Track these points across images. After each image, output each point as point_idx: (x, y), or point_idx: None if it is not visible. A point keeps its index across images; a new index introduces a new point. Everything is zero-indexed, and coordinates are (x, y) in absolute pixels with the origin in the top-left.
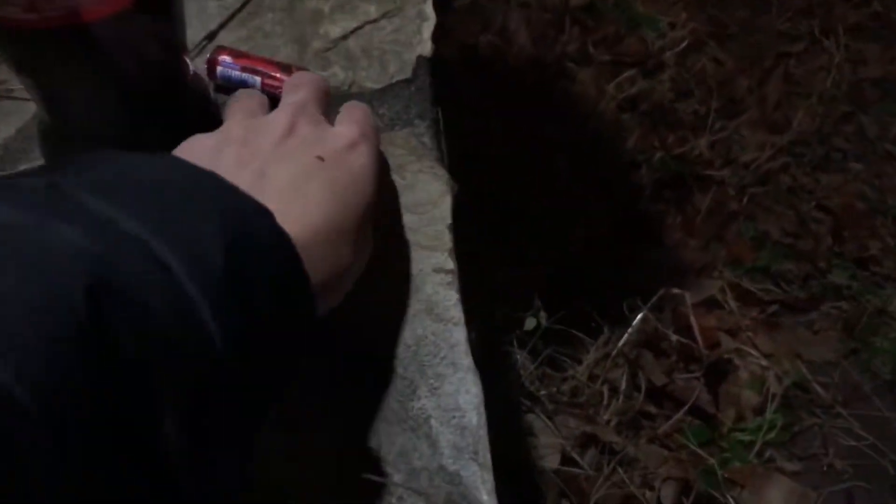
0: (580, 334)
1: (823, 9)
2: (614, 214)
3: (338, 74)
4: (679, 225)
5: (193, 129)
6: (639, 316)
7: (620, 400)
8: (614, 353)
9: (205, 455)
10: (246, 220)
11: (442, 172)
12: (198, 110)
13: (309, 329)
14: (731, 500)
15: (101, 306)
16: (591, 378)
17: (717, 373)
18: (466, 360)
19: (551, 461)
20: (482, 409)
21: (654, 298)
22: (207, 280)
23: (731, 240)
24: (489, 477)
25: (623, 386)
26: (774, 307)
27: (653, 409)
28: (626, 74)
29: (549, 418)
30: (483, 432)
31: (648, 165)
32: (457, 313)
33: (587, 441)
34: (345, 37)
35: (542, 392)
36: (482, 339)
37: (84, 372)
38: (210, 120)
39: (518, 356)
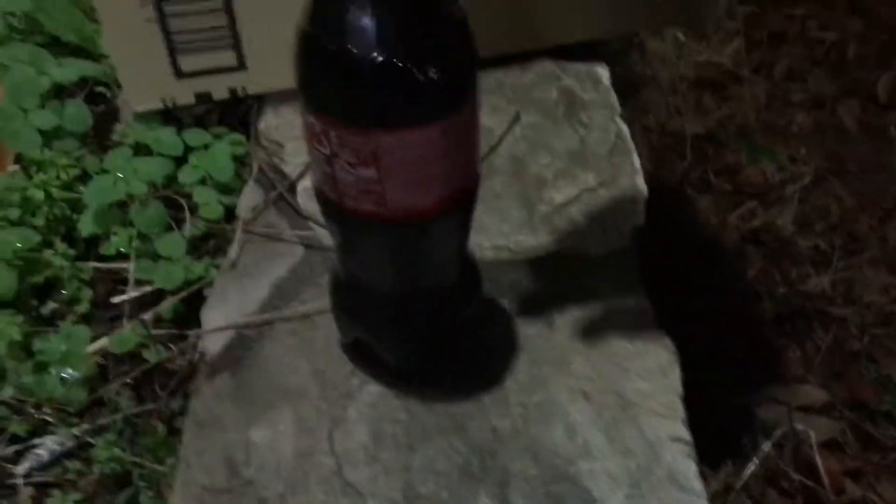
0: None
1: None
2: (736, 345)
3: (563, 240)
4: (799, 360)
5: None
6: (764, 450)
7: None
8: (739, 486)
9: None
10: None
11: (668, 342)
12: None
13: None
14: None
15: None
16: None
17: None
18: None
19: None
20: None
21: (779, 434)
22: None
23: (852, 380)
24: None
25: None
26: None
27: None
28: (747, 205)
29: None
30: None
31: (770, 298)
32: (698, 485)
33: None
34: (567, 203)
35: None
36: None
37: None
38: None
39: None
